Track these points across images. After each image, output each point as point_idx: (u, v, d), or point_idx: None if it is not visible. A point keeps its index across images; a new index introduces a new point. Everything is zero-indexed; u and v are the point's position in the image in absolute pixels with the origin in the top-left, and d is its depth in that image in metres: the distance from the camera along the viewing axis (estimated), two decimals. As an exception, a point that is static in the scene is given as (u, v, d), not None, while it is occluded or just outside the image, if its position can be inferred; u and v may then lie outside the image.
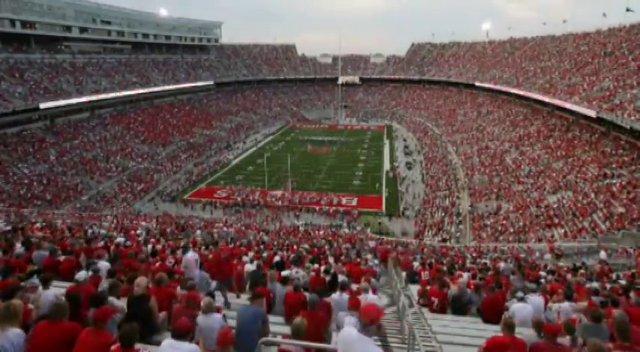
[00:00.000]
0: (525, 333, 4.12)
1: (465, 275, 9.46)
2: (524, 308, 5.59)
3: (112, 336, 3.29)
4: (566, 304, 5.84)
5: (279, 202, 34.24)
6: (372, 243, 20.88)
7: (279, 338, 3.74)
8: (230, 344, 3.47)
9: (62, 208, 29.56)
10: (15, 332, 3.12)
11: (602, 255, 16.64)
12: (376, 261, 12.89)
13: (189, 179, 41.01)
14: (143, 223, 22.50)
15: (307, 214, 32.32)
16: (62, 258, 6.81)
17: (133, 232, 15.40)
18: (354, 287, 7.17)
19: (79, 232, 12.72)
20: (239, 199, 34.93)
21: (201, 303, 4.32)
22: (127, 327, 3.07)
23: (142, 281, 4.55)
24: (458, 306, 6.93)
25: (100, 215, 27.14)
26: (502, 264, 12.42)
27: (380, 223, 30.21)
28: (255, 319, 4.10)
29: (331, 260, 11.87)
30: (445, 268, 11.17)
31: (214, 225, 23.67)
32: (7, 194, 29.44)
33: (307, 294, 4.98)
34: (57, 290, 4.77)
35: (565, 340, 3.88)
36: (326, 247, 16.81)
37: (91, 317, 3.48)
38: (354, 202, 34.21)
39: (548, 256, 18.40)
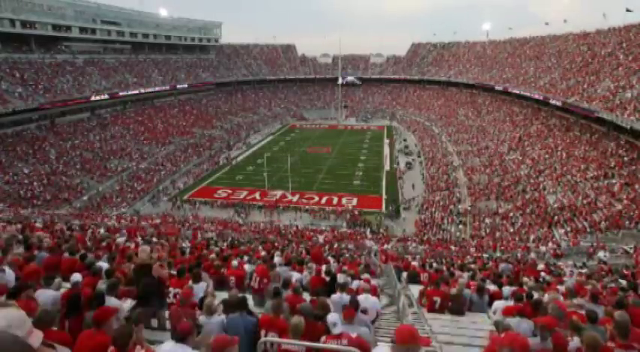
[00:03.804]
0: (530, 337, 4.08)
1: (465, 275, 9.46)
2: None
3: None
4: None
5: (279, 202, 34.22)
6: (370, 243, 20.88)
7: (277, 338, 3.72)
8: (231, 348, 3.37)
9: (62, 208, 29.55)
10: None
11: (602, 255, 16.65)
12: (375, 262, 12.88)
13: (189, 179, 41.00)
14: (144, 223, 22.50)
15: (306, 214, 32.34)
16: (63, 257, 6.79)
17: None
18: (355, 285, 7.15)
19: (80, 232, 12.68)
20: (240, 198, 34.90)
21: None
22: (121, 328, 3.04)
23: (144, 249, 4.55)
24: (455, 307, 7.02)
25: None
26: (502, 264, 12.42)
27: (380, 222, 30.17)
28: (245, 328, 3.97)
29: (331, 260, 11.85)
30: (445, 269, 11.14)
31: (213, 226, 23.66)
32: (7, 194, 29.45)
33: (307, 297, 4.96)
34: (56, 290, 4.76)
35: (575, 341, 3.83)
36: (325, 247, 16.79)
37: (91, 318, 3.46)
38: (354, 202, 34.19)
39: (548, 256, 18.40)
